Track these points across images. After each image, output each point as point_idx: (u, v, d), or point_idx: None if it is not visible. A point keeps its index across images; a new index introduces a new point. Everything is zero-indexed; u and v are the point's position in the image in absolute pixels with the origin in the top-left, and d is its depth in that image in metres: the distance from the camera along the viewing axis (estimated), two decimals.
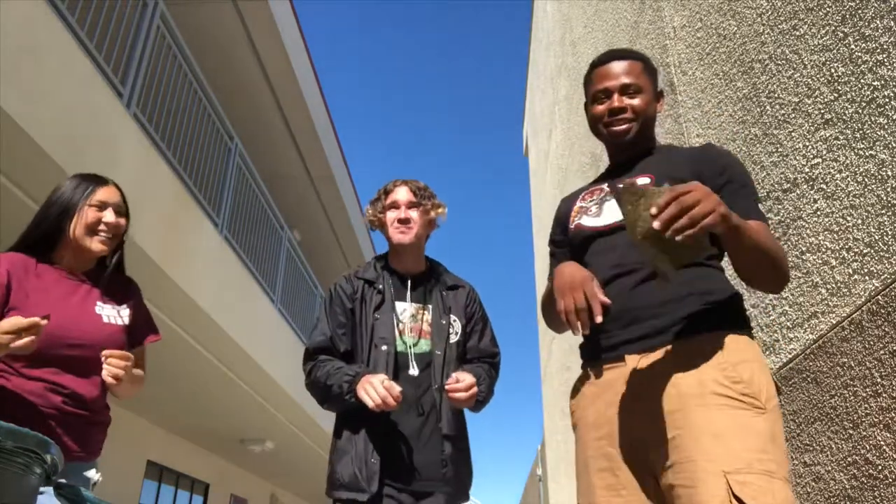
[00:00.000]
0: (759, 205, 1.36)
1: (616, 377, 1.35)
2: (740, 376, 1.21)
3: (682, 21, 2.72)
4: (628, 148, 1.54)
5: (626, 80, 1.49)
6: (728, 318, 1.30)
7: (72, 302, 1.69)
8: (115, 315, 1.76)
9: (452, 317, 1.92)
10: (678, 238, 1.06)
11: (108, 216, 1.74)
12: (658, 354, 1.30)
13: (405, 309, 1.89)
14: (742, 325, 1.32)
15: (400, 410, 1.71)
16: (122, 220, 1.79)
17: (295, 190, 9.00)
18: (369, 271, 1.96)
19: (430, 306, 1.91)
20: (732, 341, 1.27)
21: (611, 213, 1.45)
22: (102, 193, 1.77)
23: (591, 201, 1.55)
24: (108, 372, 1.59)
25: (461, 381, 1.68)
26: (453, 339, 1.88)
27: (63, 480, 1.31)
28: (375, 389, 1.61)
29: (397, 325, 1.85)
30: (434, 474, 1.72)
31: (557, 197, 6.42)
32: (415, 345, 1.84)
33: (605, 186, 1.54)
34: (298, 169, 8.68)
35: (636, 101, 1.49)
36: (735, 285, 1.42)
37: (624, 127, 1.49)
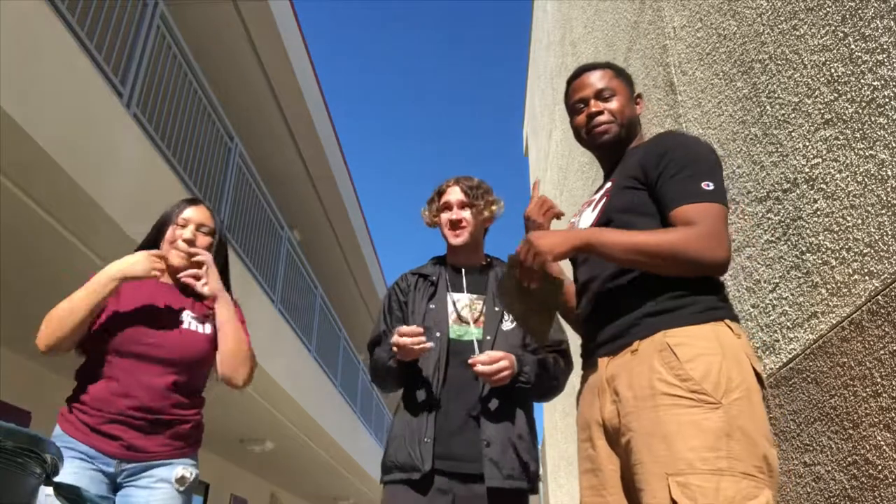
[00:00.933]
0: (706, 182, 1.33)
1: (594, 381, 1.39)
2: (689, 374, 1.20)
3: (682, 21, 2.72)
4: (612, 152, 1.58)
5: (598, 85, 1.55)
6: (689, 312, 1.30)
7: (158, 304, 1.84)
8: (199, 325, 1.89)
9: None
10: (529, 284, 1.34)
11: (186, 233, 1.90)
12: (622, 357, 1.32)
13: (460, 299, 1.92)
14: (708, 315, 1.30)
15: (451, 393, 1.78)
16: (205, 239, 1.93)
17: (295, 190, 9.00)
18: (426, 267, 2.02)
19: (486, 296, 1.92)
20: (689, 336, 1.26)
21: (583, 224, 1.53)
22: (188, 211, 1.95)
23: (579, 216, 1.62)
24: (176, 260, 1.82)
25: (486, 356, 1.69)
26: (507, 326, 1.87)
27: (67, 484, 1.31)
28: (398, 342, 1.70)
29: (451, 314, 1.88)
30: (476, 456, 1.70)
31: (557, 197, 6.42)
32: (465, 333, 1.85)
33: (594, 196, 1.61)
34: (298, 169, 8.68)
35: (612, 104, 1.54)
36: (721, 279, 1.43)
37: (603, 128, 1.54)
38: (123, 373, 1.74)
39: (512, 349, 1.80)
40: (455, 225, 1.94)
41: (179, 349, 1.81)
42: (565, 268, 1.64)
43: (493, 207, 1.99)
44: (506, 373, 1.70)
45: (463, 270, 1.97)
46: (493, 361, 1.69)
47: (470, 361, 1.70)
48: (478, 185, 1.99)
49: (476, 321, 1.88)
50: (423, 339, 1.70)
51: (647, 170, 1.40)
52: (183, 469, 1.79)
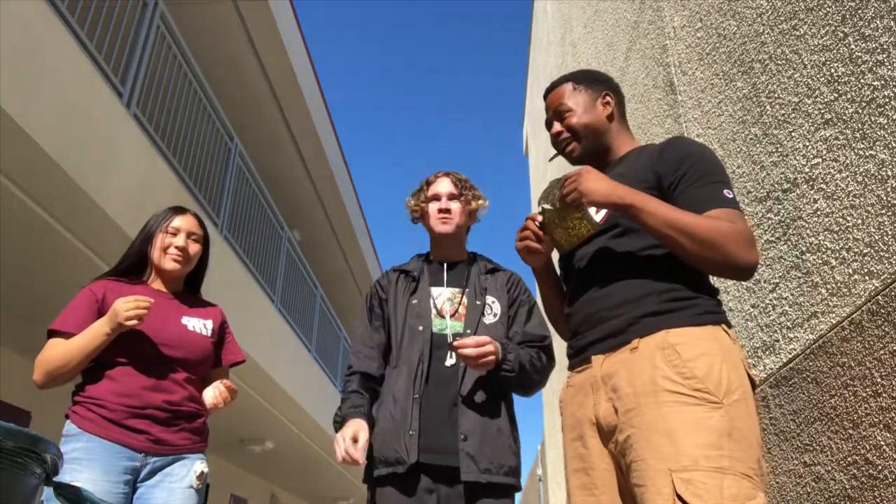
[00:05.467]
0: (727, 190, 1.35)
1: (585, 379, 1.39)
2: (692, 372, 1.21)
3: (682, 21, 2.72)
4: (595, 161, 1.58)
5: (554, 106, 1.60)
6: (689, 313, 1.31)
7: (160, 311, 1.91)
8: (201, 327, 1.99)
9: (490, 298, 1.90)
10: (567, 202, 1.36)
11: (179, 240, 1.97)
12: (619, 354, 1.32)
13: (441, 293, 1.91)
14: (707, 318, 1.31)
15: (434, 386, 1.76)
16: (195, 246, 2.01)
17: (295, 190, 8.99)
18: (409, 264, 2.02)
19: (468, 290, 1.91)
20: (690, 336, 1.27)
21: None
22: (177, 221, 2.01)
23: None
24: (212, 399, 1.86)
25: (473, 340, 1.68)
26: (489, 319, 1.86)
27: (73, 489, 1.31)
28: (337, 446, 1.67)
29: (433, 308, 1.87)
30: (454, 448, 1.68)
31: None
32: (446, 327, 1.84)
33: None
34: (298, 169, 8.68)
35: (568, 121, 1.57)
36: (715, 283, 1.43)
37: (568, 149, 1.59)
38: (148, 370, 1.83)
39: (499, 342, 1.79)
40: (444, 212, 1.95)
41: (190, 349, 1.91)
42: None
43: (480, 202, 2.01)
44: (490, 358, 1.68)
45: (444, 265, 1.97)
46: (478, 345, 1.67)
47: (455, 344, 1.67)
48: (465, 179, 2.02)
49: (454, 315, 1.87)
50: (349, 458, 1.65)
51: (663, 174, 1.40)
52: (201, 464, 1.87)
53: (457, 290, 1.92)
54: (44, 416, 5.13)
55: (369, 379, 1.85)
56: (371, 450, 1.77)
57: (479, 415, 1.73)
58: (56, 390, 1.92)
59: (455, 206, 1.96)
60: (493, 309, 1.89)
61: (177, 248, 1.95)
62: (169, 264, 1.96)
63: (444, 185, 1.99)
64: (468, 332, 1.82)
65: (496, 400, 1.78)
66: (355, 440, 1.65)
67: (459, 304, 1.89)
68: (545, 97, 1.66)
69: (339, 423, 1.76)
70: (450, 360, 1.78)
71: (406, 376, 1.78)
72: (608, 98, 1.60)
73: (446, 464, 1.67)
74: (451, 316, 1.87)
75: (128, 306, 1.72)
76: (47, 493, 1.23)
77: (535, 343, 1.86)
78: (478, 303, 1.88)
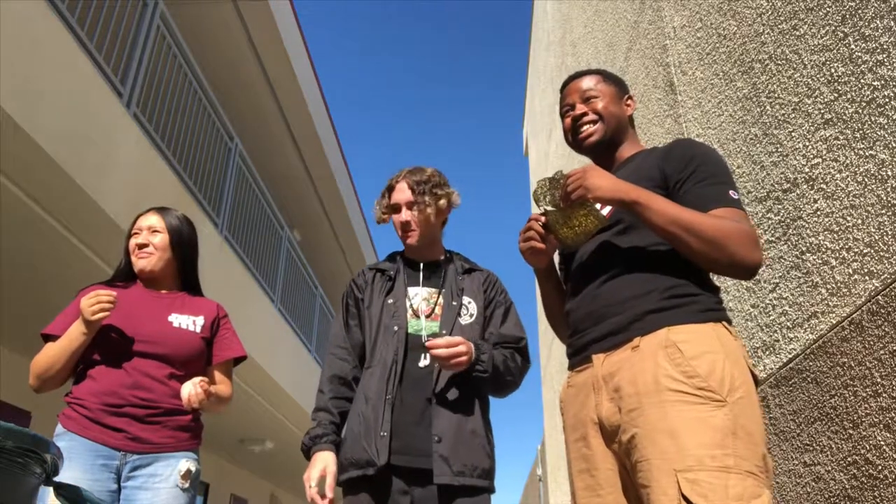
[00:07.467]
0: (732, 191, 1.36)
1: (587, 378, 1.38)
2: (695, 370, 1.21)
3: (682, 21, 2.72)
4: (605, 155, 1.58)
5: (581, 91, 1.59)
6: (691, 310, 1.30)
7: (146, 308, 1.96)
8: (189, 323, 2.00)
9: (466, 298, 1.88)
10: (570, 200, 1.35)
11: (140, 238, 2.03)
12: (621, 352, 1.31)
13: (417, 293, 1.88)
14: (709, 315, 1.30)
15: (408, 387, 1.74)
16: (157, 236, 2.04)
17: (295, 190, 9.00)
18: (384, 262, 1.99)
19: (444, 290, 1.89)
20: (693, 333, 1.26)
21: None
22: (138, 222, 2.07)
23: None
24: (185, 395, 1.83)
25: (444, 340, 1.66)
26: (465, 320, 1.84)
27: (58, 481, 1.31)
28: (307, 488, 1.68)
29: (409, 308, 1.85)
30: (427, 449, 1.66)
31: None
32: (422, 328, 1.82)
33: None
34: (298, 169, 8.68)
35: (595, 105, 1.56)
36: (716, 281, 1.43)
37: (590, 129, 1.56)
38: (127, 368, 1.84)
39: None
40: (405, 227, 1.90)
41: (173, 345, 1.92)
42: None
43: (441, 202, 1.90)
44: (462, 358, 1.66)
45: (420, 265, 1.94)
46: (450, 346, 1.65)
47: (427, 344, 1.66)
48: (427, 178, 1.91)
49: (430, 315, 1.84)
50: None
51: (669, 173, 1.40)
52: (187, 462, 1.86)
53: (433, 290, 1.89)
54: (44, 416, 5.13)
55: (342, 382, 1.83)
56: (341, 451, 1.75)
57: (453, 416, 1.71)
58: (56, 391, 1.92)
59: (414, 214, 1.88)
60: (470, 309, 1.87)
61: (137, 245, 2.01)
62: (138, 264, 2.01)
63: (401, 193, 1.90)
64: (444, 332, 1.79)
65: (471, 401, 1.76)
66: (323, 477, 1.66)
67: (436, 304, 1.86)
68: (567, 84, 1.64)
69: (305, 452, 1.75)
70: (424, 361, 1.76)
71: (379, 377, 1.75)
72: (630, 101, 1.62)
73: (419, 466, 1.65)
74: (427, 316, 1.84)
75: (90, 302, 1.76)
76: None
77: (510, 344, 1.85)
78: (454, 303, 1.86)
